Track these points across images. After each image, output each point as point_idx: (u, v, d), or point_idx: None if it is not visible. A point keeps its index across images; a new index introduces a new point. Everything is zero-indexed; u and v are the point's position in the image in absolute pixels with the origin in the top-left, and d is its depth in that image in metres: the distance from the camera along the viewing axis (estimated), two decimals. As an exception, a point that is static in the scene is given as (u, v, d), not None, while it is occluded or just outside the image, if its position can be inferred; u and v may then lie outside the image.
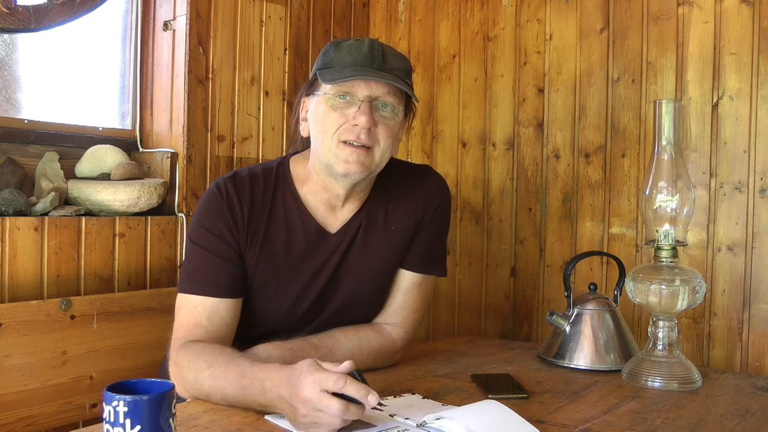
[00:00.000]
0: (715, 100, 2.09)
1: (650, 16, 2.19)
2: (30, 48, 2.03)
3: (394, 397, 1.31)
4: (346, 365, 1.11)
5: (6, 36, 1.94)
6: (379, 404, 1.25)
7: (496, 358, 1.72)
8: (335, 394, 1.07)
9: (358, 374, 1.11)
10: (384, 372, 1.51)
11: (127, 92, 2.27)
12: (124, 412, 0.86)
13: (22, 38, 1.99)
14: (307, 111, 1.44)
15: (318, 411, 1.06)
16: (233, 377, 1.20)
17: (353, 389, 1.06)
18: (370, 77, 1.34)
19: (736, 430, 1.20)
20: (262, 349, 1.38)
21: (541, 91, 2.40)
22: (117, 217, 2.00)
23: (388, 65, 1.37)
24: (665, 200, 1.51)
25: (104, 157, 2.08)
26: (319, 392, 1.06)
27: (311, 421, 1.08)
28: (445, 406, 1.25)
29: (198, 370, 1.24)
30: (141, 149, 2.25)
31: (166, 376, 1.34)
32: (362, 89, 1.35)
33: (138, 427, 0.86)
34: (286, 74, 2.48)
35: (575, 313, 1.66)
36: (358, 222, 1.49)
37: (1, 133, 1.93)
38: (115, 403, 0.87)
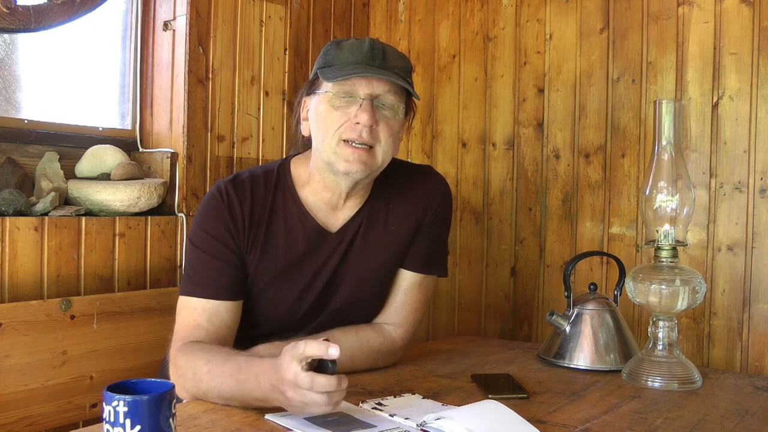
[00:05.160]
0: (715, 100, 2.09)
1: (650, 16, 2.19)
2: (30, 48, 2.03)
3: (394, 397, 1.31)
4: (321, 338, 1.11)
5: (6, 36, 1.94)
6: (379, 404, 1.25)
7: (496, 358, 1.72)
8: (318, 369, 1.07)
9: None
10: (384, 372, 1.51)
11: (127, 92, 2.27)
12: (124, 412, 0.86)
13: (22, 38, 1.99)
14: (307, 111, 1.44)
15: (303, 390, 1.07)
16: (230, 372, 1.20)
17: (314, 348, 1.06)
18: (371, 74, 1.34)
19: (736, 430, 1.20)
20: (263, 349, 1.38)
21: (541, 91, 2.40)
22: (117, 217, 2.00)
23: (389, 64, 1.37)
24: (665, 200, 1.51)
25: (104, 157, 2.08)
26: (297, 370, 1.06)
27: (301, 401, 1.08)
28: (445, 406, 1.25)
29: (196, 368, 1.25)
30: (141, 149, 2.25)
31: (166, 376, 1.34)
32: (363, 87, 1.35)
33: (138, 427, 0.87)
34: (286, 74, 2.47)
35: (575, 313, 1.66)
36: (359, 221, 1.49)
37: (1, 133, 1.93)
38: (115, 403, 0.87)
